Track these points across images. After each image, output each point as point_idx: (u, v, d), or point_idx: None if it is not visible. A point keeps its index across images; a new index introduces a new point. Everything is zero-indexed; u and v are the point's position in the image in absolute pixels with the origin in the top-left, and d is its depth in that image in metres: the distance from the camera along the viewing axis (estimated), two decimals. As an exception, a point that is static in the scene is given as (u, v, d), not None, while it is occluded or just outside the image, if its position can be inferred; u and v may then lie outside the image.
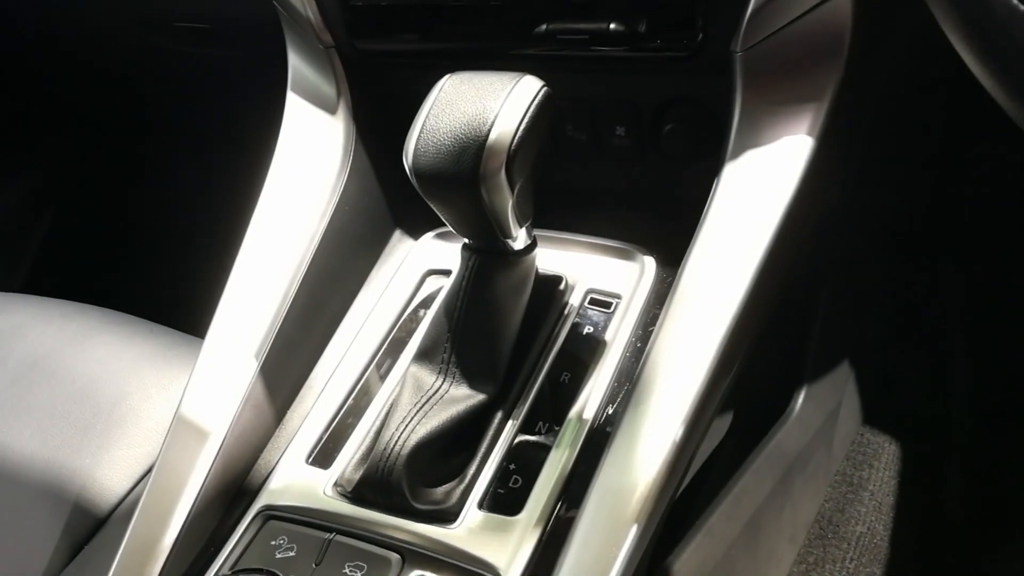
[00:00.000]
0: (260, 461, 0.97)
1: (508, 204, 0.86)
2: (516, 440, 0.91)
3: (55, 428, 1.16)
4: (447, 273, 1.08)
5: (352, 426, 0.97)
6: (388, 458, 0.88)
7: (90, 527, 1.06)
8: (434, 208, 0.89)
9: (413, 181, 0.85)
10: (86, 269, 1.83)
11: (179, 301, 1.36)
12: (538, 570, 0.82)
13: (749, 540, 1.09)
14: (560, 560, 0.80)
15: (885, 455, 1.33)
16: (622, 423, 0.85)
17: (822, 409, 1.26)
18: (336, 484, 0.92)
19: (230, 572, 0.81)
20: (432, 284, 1.08)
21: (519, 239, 0.92)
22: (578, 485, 0.86)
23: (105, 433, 1.14)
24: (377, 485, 0.88)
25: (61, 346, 1.26)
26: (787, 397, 1.19)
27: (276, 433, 0.99)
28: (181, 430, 0.96)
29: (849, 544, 1.25)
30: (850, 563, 1.23)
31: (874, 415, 1.36)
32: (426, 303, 1.06)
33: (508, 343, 0.94)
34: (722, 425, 0.97)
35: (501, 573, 0.82)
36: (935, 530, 1.34)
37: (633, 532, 0.80)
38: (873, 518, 1.28)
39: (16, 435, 1.16)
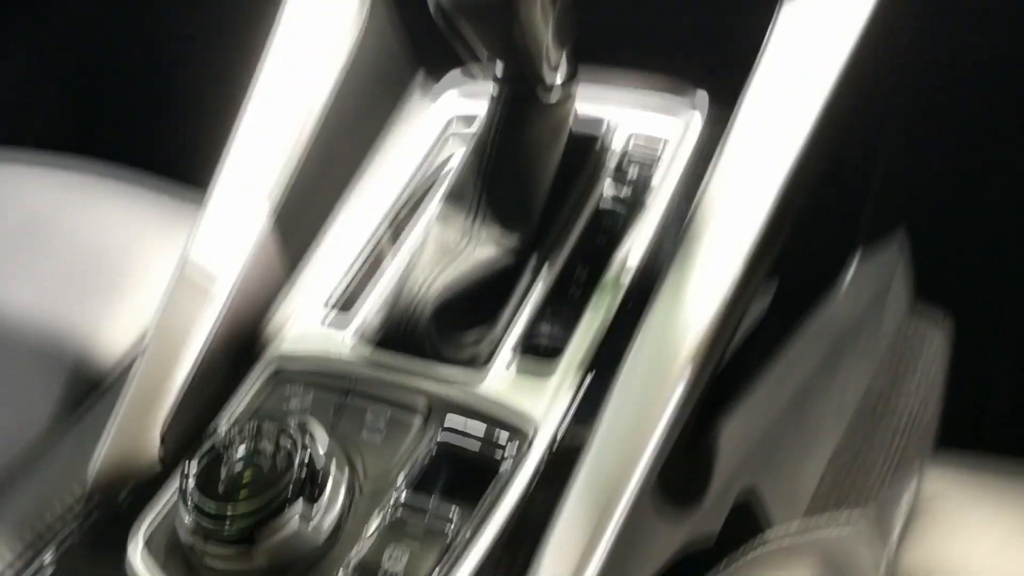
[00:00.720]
0: (272, 312, 0.89)
1: (546, 18, 0.76)
2: (554, 287, 0.83)
3: (54, 285, 1.09)
4: (473, 119, 0.99)
5: (373, 275, 0.89)
6: (414, 302, 0.80)
7: (89, 384, 0.99)
8: (463, 32, 0.79)
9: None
10: (88, 124, 1.74)
11: (185, 155, 1.27)
12: (576, 422, 0.75)
13: (795, 413, 1.02)
14: (600, 413, 0.73)
15: (936, 334, 1.25)
16: (669, 274, 0.77)
17: (875, 280, 1.17)
18: (356, 333, 0.84)
19: (240, 424, 0.73)
20: (459, 126, 0.98)
21: (558, 68, 0.83)
22: (620, 337, 0.78)
23: (107, 289, 1.07)
24: (402, 331, 0.80)
25: (62, 203, 1.18)
26: (838, 265, 1.10)
27: (289, 283, 0.91)
28: (186, 276, 0.88)
29: (898, 423, 1.18)
30: (899, 441, 1.16)
31: (927, 291, 1.27)
32: (453, 145, 0.97)
33: (544, 187, 0.86)
34: (770, 288, 0.89)
35: (537, 423, 0.74)
36: (986, 412, 1.27)
37: (679, 390, 0.72)
38: (923, 397, 1.20)
39: (13, 292, 1.09)
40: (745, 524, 0.92)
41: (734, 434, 0.86)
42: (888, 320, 1.23)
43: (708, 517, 0.86)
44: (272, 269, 0.91)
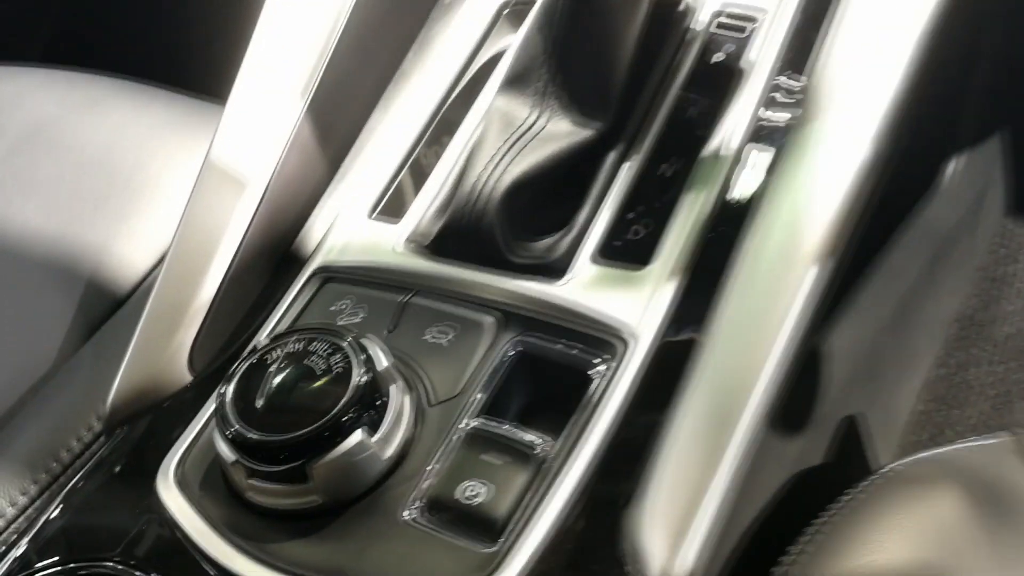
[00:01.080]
0: (312, 216, 0.78)
1: None
2: (637, 181, 0.72)
3: (63, 201, 0.98)
4: None
5: (426, 172, 0.77)
6: (477, 201, 0.69)
7: (108, 307, 0.89)
8: None
9: None
10: (94, 38, 1.62)
11: (202, 68, 1.15)
12: (678, 331, 0.64)
13: (896, 327, 0.91)
14: (709, 321, 0.62)
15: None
16: (784, 162, 0.65)
17: (972, 186, 1.05)
18: (409, 239, 0.73)
19: (284, 339, 0.63)
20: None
21: None
22: (723, 235, 0.67)
23: (121, 204, 0.96)
24: (464, 234, 0.69)
25: (66, 113, 1.06)
26: (935, 167, 0.98)
27: (331, 184, 0.80)
28: (212, 178, 0.77)
29: (995, 346, 1.07)
30: (997, 366, 1.05)
31: (1021, 205, 1.15)
32: (509, 25, 0.85)
33: (622, 65, 0.74)
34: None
35: (632, 332, 0.63)
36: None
37: (804, 292, 0.61)
38: (1021, 318, 1.09)
39: (17, 210, 0.98)
40: (845, 451, 0.82)
41: (840, 348, 0.75)
42: (980, 234, 1.12)
43: (813, 442, 0.76)
44: (309, 171, 0.79)
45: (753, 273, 0.61)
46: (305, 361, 0.61)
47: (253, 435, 0.58)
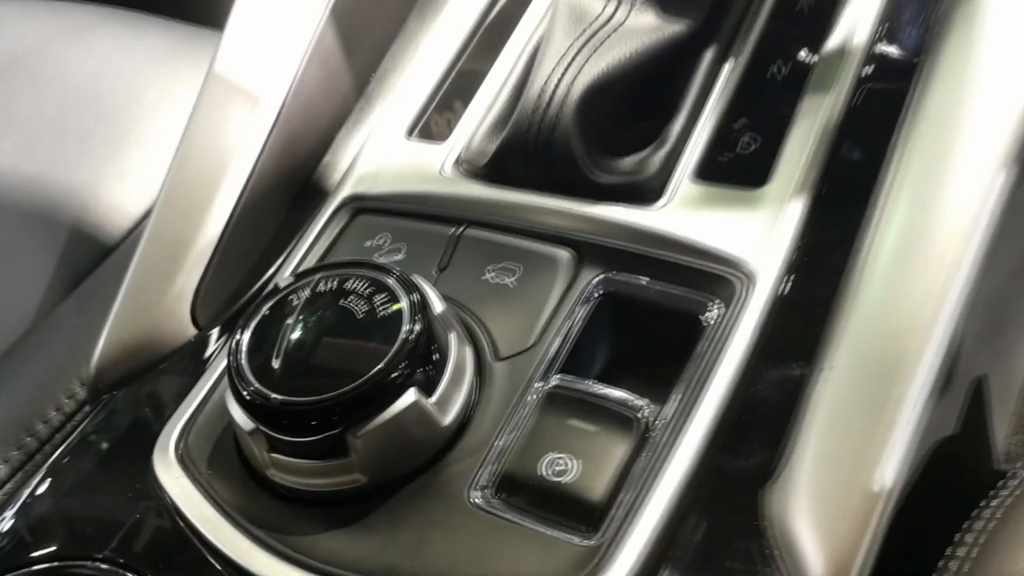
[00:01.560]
0: (338, 137, 0.65)
1: None
2: (742, 84, 0.58)
3: (43, 138, 0.84)
4: None
5: (475, 81, 0.64)
6: (547, 111, 0.55)
7: (94, 256, 0.75)
8: None
9: None
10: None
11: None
12: (813, 259, 0.50)
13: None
14: (860, 239, 0.48)
15: None
16: (949, 38, 0.52)
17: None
18: (459, 161, 0.60)
19: (311, 277, 0.49)
20: None
21: None
22: (861, 137, 0.53)
23: (111, 141, 0.83)
24: (530, 152, 0.56)
25: (48, 42, 0.93)
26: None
27: (359, 99, 0.66)
28: (217, 94, 0.64)
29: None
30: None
31: None
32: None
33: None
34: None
35: (750, 266, 0.50)
36: None
37: (992, 202, 0.47)
38: None
39: (-7, 148, 0.85)
40: (970, 419, 0.69)
41: (985, 290, 0.62)
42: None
43: (950, 406, 0.62)
44: (334, 84, 0.66)
45: (919, 184, 0.47)
46: (340, 303, 0.48)
47: (277, 397, 0.45)
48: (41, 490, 0.53)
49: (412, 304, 0.47)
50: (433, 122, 0.63)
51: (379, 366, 0.45)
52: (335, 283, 0.49)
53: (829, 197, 0.52)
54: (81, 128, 0.84)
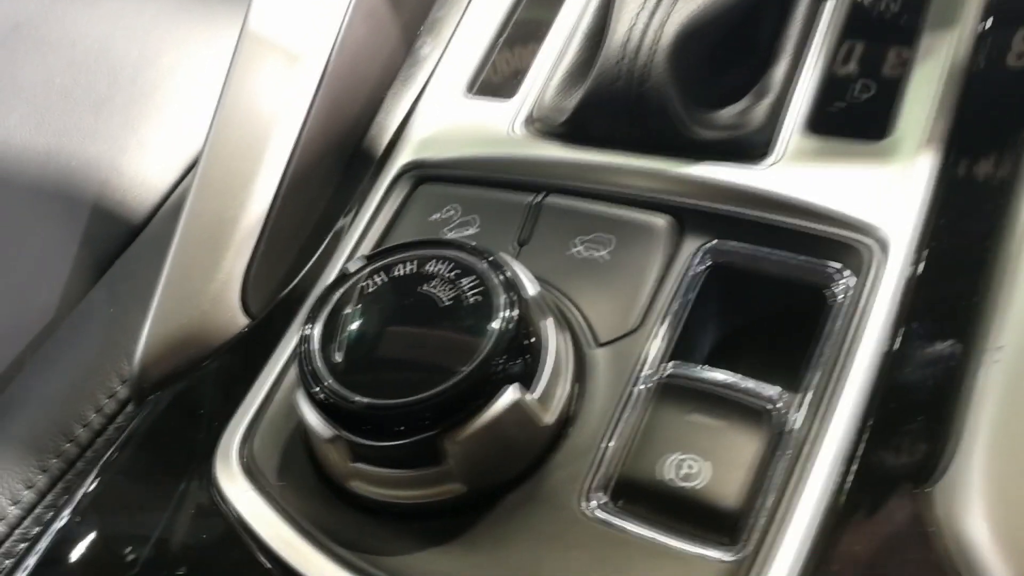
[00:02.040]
0: (388, 97, 0.59)
1: None
2: (850, 22, 0.52)
3: (54, 108, 0.78)
4: None
5: (539, 30, 0.57)
6: (636, 59, 0.49)
7: (120, 238, 0.69)
8: None
9: None
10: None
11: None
12: (957, 220, 0.44)
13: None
14: (1010, 215, 0.43)
15: None
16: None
17: None
18: (531, 119, 0.54)
19: (383, 259, 0.43)
20: None
21: None
22: (990, 79, 0.47)
23: (128, 109, 0.76)
24: (619, 106, 0.49)
25: (50, 3, 0.85)
26: None
27: (409, 54, 0.60)
28: (253, 53, 0.57)
29: None
30: None
31: None
32: None
33: None
34: None
35: (881, 230, 0.44)
36: None
37: None
38: None
39: (4, 122, 0.78)
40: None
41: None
42: None
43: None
44: (382, 37, 0.59)
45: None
46: (422, 289, 0.42)
47: (360, 399, 0.39)
48: (86, 503, 0.47)
49: (505, 288, 0.41)
50: (495, 77, 0.57)
51: (477, 360, 0.39)
52: (414, 266, 0.43)
53: (963, 148, 0.46)
54: (94, 95, 0.77)
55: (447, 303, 0.41)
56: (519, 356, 0.40)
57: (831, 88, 0.50)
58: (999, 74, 0.47)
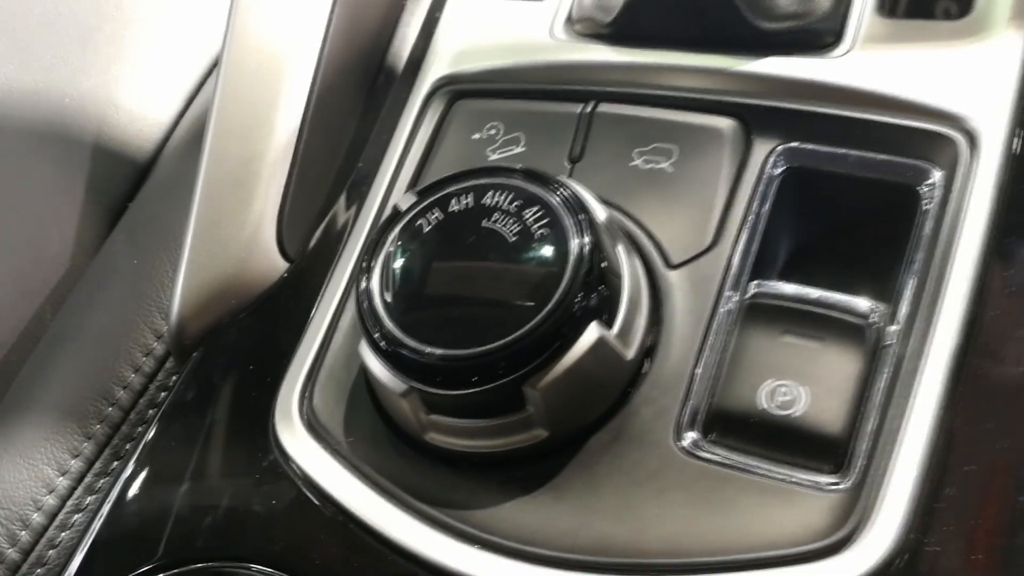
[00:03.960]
0: (409, 3, 0.54)
1: None
2: None
3: (38, 41, 0.72)
4: None
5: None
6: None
7: (129, 174, 0.65)
8: None
9: None
10: None
11: None
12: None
13: None
14: None
15: None
16: None
17: None
18: (571, 19, 0.49)
19: (439, 191, 0.40)
20: None
21: None
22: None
23: (117, 38, 0.70)
24: (671, 1, 0.45)
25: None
26: None
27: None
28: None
29: None
30: None
31: None
32: None
33: None
34: None
35: (972, 121, 0.40)
36: None
37: None
38: None
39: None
40: None
41: None
42: None
43: None
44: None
45: None
46: (484, 224, 0.39)
47: (433, 351, 0.36)
48: (145, 475, 0.45)
49: (574, 217, 0.38)
50: (527, -24, 0.52)
51: (554, 300, 0.36)
52: (470, 199, 0.39)
53: (1055, 20, 0.42)
54: (80, 26, 0.72)
55: (513, 238, 0.38)
56: (596, 290, 0.37)
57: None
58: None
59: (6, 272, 0.63)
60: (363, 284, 0.38)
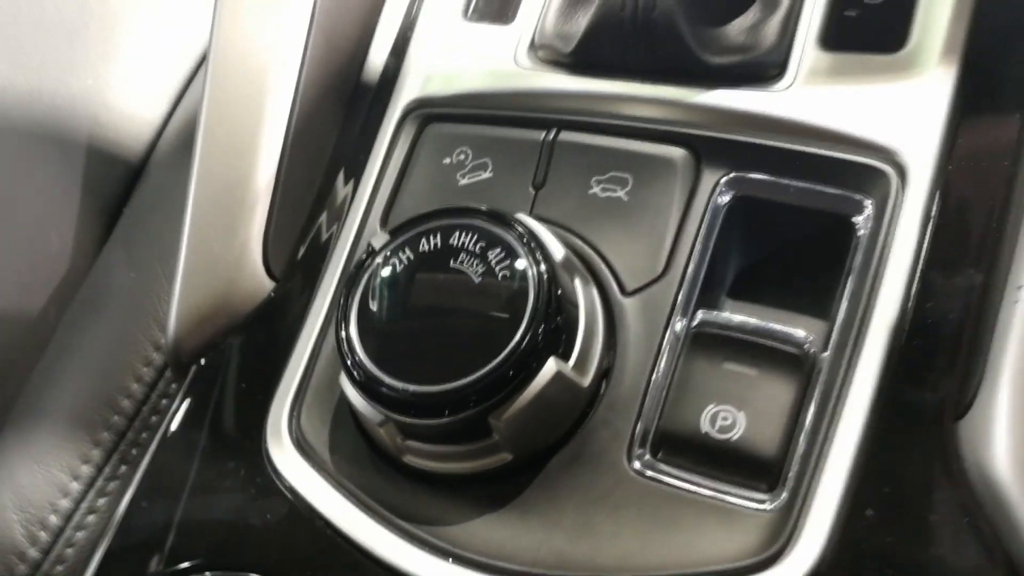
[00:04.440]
0: (380, 26, 0.56)
1: None
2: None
3: (26, 40, 0.74)
4: None
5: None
6: (631, -15, 0.46)
7: (121, 174, 0.68)
8: None
9: None
10: None
11: None
12: (971, 145, 0.44)
13: None
14: None
15: None
16: None
17: None
18: (535, 46, 0.52)
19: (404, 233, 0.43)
20: None
21: None
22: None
23: (105, 38, 0.72)
24: (627, 32, 0.47)
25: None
26: None
27: (399, -21, 0.57)
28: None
29: None
30: None
31: None
32: None
33: None
34: None
35: (903, 153, 0.43)
36: None
37: None
38: None
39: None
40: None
41: None
42: None
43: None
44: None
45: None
46: (451, 264, 0.42)
47: (407, 388, 0.40)
48: (149, 485, 0.49)
49: (534, 257, 0.41)
50: (493, 5, 0.54)
51: (515, 339, 0.40)
52: (438, 240, 0.43)
53: (983, 56, 0.44)
54: (66, 25, 0.73)
55: (478, 279, 0.42)
56: (554, 323, 0.41)
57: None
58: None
59: (9, 272, 0.66)
60: (342, 327, 0.42)
